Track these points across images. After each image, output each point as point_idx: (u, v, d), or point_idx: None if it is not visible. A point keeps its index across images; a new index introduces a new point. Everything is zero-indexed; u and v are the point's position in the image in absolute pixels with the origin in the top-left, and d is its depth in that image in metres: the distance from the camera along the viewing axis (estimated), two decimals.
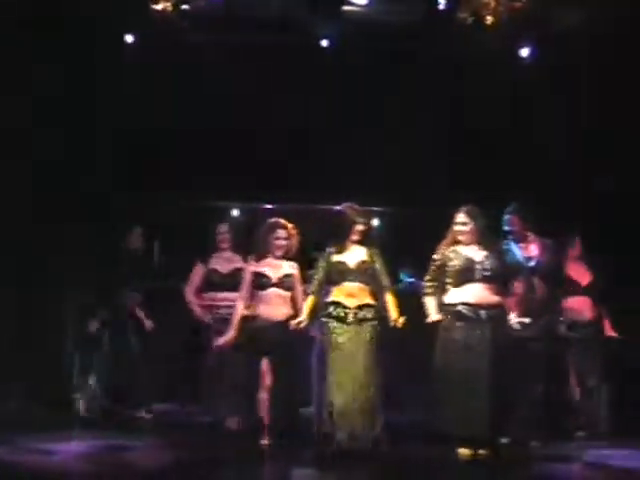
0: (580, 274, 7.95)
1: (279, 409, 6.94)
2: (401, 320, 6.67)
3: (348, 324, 6.71)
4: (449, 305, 6.71)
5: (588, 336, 7.82)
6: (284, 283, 7.15)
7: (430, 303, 6.78)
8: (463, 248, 6.81)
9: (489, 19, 8.61)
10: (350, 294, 6.77)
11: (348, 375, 6.62)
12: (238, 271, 7.63)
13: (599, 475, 6.51)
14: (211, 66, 9.08)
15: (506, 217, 7.60)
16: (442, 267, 6.78)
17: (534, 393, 7.36)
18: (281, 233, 7.24)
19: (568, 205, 8.82)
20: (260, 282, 7.14)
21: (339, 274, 6.82)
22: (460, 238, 6.82)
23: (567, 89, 9.07)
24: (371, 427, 6.60)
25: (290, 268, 7.21)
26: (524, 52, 9.11)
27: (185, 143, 9.42)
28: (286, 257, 7.25)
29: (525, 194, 7.92)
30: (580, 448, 7.13)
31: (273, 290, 7.13)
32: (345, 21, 8.81)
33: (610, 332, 7.89)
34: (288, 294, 7.17)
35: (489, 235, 6.93)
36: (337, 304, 6.77)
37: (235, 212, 10.10)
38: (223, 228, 7.98)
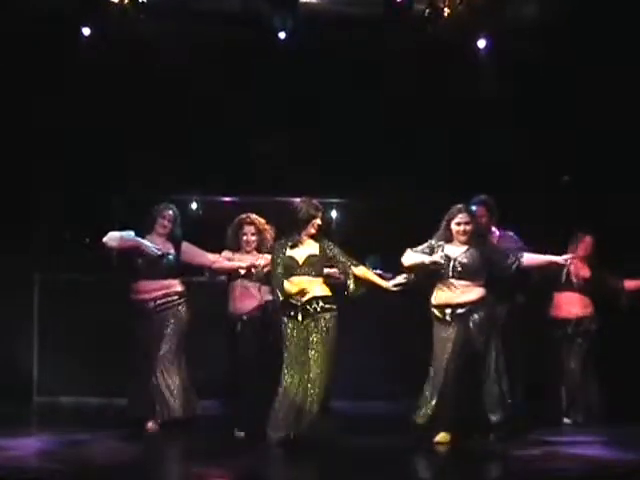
0: (579, 270, 7.93)
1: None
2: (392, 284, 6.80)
3: (299, 320, 6.69)
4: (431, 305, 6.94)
5: (573, 333, 7.89)
6: (257, 275, 7.19)
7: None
8: (451, 247, 6.91)
9: (446, 11, 8.63)
10: (300, 289, 6.71)
11: (301, 368, 6.63)
12: (165, 256, 7.44)
13: (558, 462, 6.54)
14: (167, 58, 9.06)
15: (472, 208, 7.46)
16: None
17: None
18: (249, 229, 7.28)
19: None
20: (234, 274, 7.21)
21: (287, 269, 6.76)
22: (461, 238, 6.91)
23: (523, 81, 9.14)
24: (324, 417, 6.61)
25: (261, 260, 7.20)
26: (481, 44, 9.14)
27: (142, 135, 9.37)
28: (261, 251, 7.28)
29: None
30: (540, 435, 7.21)
31: (239, 281, 7.20)
32: (303, 13, 8.80)
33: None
34: (257, 285, 7.22)
35: (479, 234, 7.04)
36: (288, 303, 6.74)
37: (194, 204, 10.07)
38: (169, 213, 7.51)
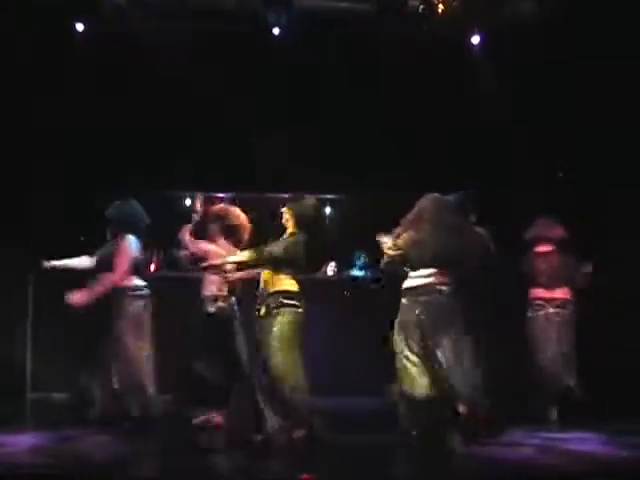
0: (550, 253, 7.89)
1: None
2: None
3: (260, 317, 6.65)
4: (405, 290, 6.80)
5: (558, 314, 7.83)
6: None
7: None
8: (426, 234, 6.84)
9: (440, 7, 8.63)
10: (265, 282, 6.70)
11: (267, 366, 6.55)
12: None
13: (551, 458, 6.55)
14: (163, 55, 9.06)
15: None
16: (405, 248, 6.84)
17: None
18: (227, 221, 7.29)
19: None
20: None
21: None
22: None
23: (520, 78, 9.14)
24: (310, 416, 6.56)
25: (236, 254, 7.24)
26: (475, 40, 9.14)
27: (134, 133, 9.36)
28: (236, 244, 7.33)
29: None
30: (533, 431, 7.22)
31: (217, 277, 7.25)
32: (297, 9, 8.80)
33: None
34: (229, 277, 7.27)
35: (453, 222, 6.98)
36: (259, 295, 6.73)
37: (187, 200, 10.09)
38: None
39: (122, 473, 5.99)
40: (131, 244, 7.47)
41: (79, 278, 8.48)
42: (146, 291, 7.50)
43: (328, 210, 9.91)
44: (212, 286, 7.30)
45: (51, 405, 8.45)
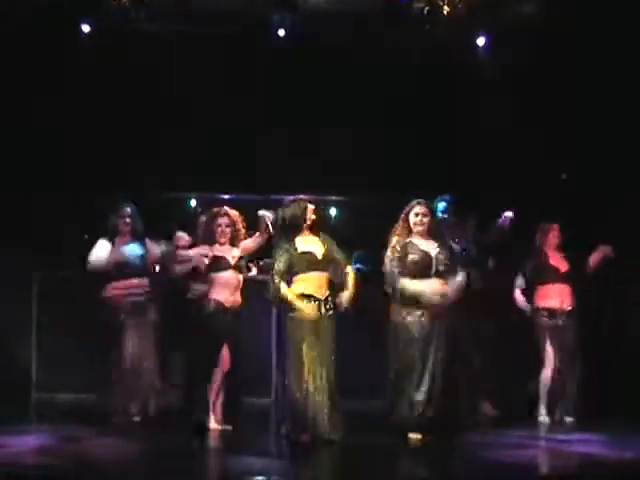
0: (558, 262, 7.90)
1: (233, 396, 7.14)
2: (345, 303, 6.75)
3: (321, 315, 6.70)
4: (405, 296, 6.81)
5: (565, 324, 7.78)
6: (239, 266, 7.27)
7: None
8: (418, 241, 6.92)
9: (445, 9, 8.64)
10: (319, 285, 6.74)
11: (318, 364, 6.62)
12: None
13: (555, 461, 6.55)
14: (167, 57, 9.07)
15: (442, 206, 7.62)
16: (403, 257, 6.86)
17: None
18: (223, 221, 7.31)
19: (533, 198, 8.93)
20: (218, 265, 7.20)
21: (306, 263, 6.74)
22: (418, 229, 6.93)
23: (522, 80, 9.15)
24: (332, 415, 6.62)
25: (239, 252, 7.31)
26: (480, 42, 9.15)
27: (141, 133, 9.38)
28: (234, 244, 7.33)
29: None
30: (538, 433, 7.21)
31: (230, 273, 7.22)
32: (302, 11, 8.82)
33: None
34: (239, 276, 7.28)
35: (439, 228, 7.09)
36: (309, 297, 6.72)
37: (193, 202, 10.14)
38: (127, 211, 7.75)
39: (125, 474, 6.00)
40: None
41: (82, 279, 8.57)
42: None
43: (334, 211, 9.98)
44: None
45: (55, 405, 8.46)
